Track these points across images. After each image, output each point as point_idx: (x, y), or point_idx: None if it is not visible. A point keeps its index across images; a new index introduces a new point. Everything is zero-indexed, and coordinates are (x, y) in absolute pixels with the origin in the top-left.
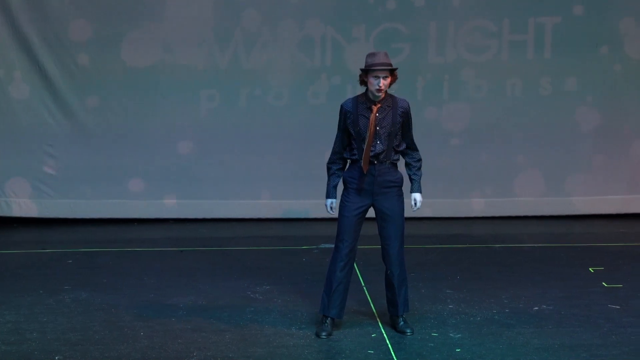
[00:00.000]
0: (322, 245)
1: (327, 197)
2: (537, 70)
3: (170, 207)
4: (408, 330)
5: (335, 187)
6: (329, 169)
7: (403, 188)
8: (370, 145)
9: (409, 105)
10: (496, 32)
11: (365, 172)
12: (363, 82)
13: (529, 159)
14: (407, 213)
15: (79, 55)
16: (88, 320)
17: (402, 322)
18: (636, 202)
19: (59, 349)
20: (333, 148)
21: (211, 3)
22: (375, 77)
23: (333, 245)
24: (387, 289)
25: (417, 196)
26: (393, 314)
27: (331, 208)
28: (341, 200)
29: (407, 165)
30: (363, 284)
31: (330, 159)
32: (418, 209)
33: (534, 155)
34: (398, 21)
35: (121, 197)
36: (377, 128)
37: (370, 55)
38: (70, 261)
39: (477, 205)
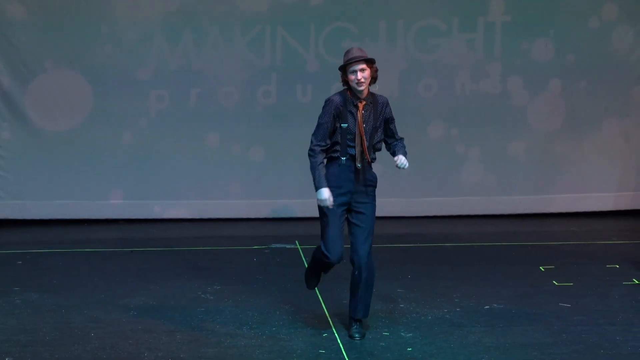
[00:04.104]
0: (273, 245)
1: (322, 186)
2: (487, 68)
3: (119, 207)
4: (357, 336)
5: (326, 176)
6: (314, 156)
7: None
8: (365, 141)
9: (387, 99)
10: (445, 30)
11: (355, 170)
12: (345, 81)
13: (479, 157)
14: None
15: (28, 56)
16: (38, 321)
17: (354, 325)
18: (586, 200)
19: (9, 350)
20: (317, 137)
21: (160, 3)
22: (353, 71)
23: (283, 246)
24: (352, 289)
25: (401, 156)
26: (352, 317)
27: (329, 198)
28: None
29: (391, 145)
30: None
31: (313, 149)
32: (405, 165)
33: (484, 153)
34: (347, 21)
35: (70, 198)
36: (364, 125)
37: (346, 53)
38: (20, 262)
39: (428, 204)
